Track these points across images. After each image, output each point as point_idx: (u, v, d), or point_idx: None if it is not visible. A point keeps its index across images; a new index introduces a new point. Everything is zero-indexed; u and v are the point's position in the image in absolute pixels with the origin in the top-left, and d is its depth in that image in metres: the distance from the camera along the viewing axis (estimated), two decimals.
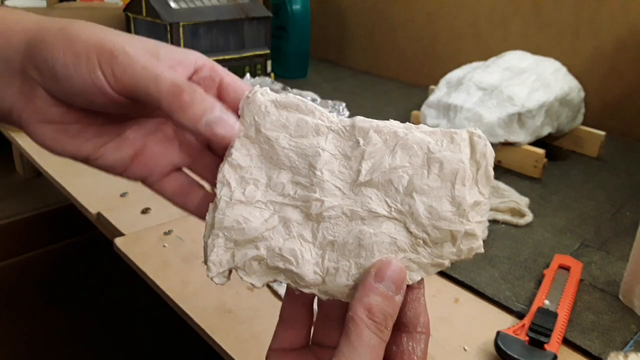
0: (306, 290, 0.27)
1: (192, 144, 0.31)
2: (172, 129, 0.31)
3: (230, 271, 0.28)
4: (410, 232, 0.26)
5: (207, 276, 0.27)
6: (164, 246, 0.58)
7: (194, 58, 0.30)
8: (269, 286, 0.52)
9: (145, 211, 0.65)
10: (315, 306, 0.30)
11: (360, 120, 0.27)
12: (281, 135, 0.27)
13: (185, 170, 0.32)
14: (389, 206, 0.27)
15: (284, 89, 0.98)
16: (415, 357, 0.27)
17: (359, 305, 0.25)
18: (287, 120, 0.28)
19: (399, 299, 0.25)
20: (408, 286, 0.27)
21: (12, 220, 1.00)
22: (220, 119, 0.27)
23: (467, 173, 0.26)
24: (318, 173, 0.27)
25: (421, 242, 0.26)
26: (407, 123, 0.28)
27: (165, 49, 0.28)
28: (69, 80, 0.26)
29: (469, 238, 0.26)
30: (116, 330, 1.13)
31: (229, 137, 0.27)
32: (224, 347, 0.45)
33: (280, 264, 0.27)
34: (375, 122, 0.27)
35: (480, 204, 0.27)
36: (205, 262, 0.28)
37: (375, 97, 1.15)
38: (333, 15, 1.46)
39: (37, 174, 1.12)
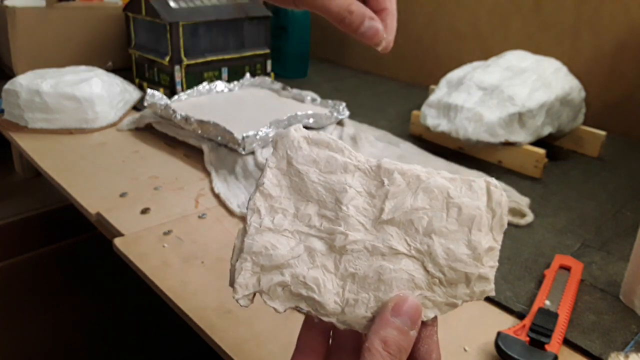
0: (325, 319, 0.28)
1: None
2: None
3: (254, 295, 0.29)
4: (428, 271, 0.28)
5: (233, 298, 0.29)
6: (164, 246, 0.58)
7: None
8: None
9: (145, 211, 0.65)
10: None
11: (386, 162, 0.30)
12: (311, 169, 0.29)
13: None
14: (409, 245, 0.28)
15: (284, 88, 0.98)
16: None
17: (376, 337, 0.26)
18: (318, 156, 0.30)
19: (413, 334, 0.27)
20: (422, 323, 0.28)
21: (12, 220, 1.00)
22: (371, 27, 0.39)
23: (483, 219, 0.28)
24: (344, 208, 0.29)
25: (437, 281, 0.28)
26: (429, 168, 0.30)
27: None
28: None
29: (482, 281, 0.28)
30: (116, 330, 1.13)
31: (378, 39, 0.38)
32: (223, 347, 0.45)
33: (303, 292, 0.28)
34: (399, 165, 0.29)
35: (494, 249, 0.29)
36: (232, 284, 0.29)
37: (375, 97, 1.15)
38: None
39: (36, 174, 1.12)
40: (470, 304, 0.51)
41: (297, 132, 0.30)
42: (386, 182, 0.29)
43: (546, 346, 0.43)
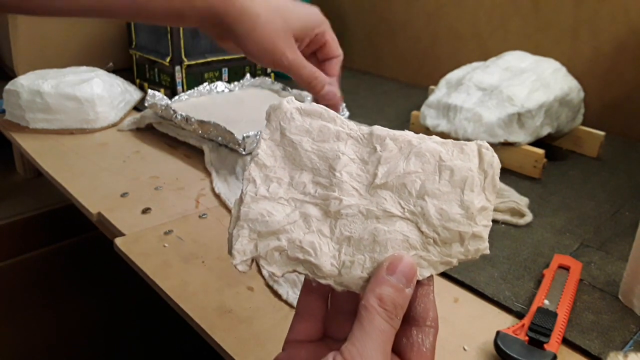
0: (322, 281, 0.29)
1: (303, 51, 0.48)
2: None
3: (252, 260, 0.29)
4: (422, 232, 0.29)
5: (232, 263, 0.29)
6: (164, 246, 0.58)
7: (317, 17, 0.49)
8: (269, 287, 0.52)
9: (145, 211, 0.65)
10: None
11: (378, 128, 0.30)
12: (304, 139, 0.30)
13: None
14: (403, 207, 0.29)
15: (284, 89, 0.98)
16: (424, 349, 0.28)
17: (371, 294, 0.26)
18: (311, 126, 0.30)
19: (409, 291, 0.27)
20: (418, 282, 0.28)
21: (12, 220, 1.00)
22: (329, 92, 0.49)
23: (475, 180, 0.29)
24: (337, 174, 0.29)
25: (431, 241, 0.29)
26: (421, 134, 0.30)
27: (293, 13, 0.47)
28: (248, 48, 0.45)
29: (476, 239, 0.29)
30: (116, 330, 1.13)
31: (335, 99, 0.48)
32: (224, 347, 0.45)
33: (300, 255, 0.29)
34: (391, 131, 0.30)
35: (487, 209, 0.29)
36: (230, 251, 0.29)
37: (375, 97, 1.15)
38: (333, 15, 1.46)
39: (37, 174, 1.12)
40: (470, 304, 0.52)
41: (289, 104, 0.31)
42: (378, 148, 0.29)
43: (545, 345, 0.44)
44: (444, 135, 0.81)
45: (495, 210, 0.66)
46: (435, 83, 0.92)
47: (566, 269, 0.54)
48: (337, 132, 0.30)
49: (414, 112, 0.90)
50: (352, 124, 0.31)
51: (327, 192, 0.29)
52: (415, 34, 1.29)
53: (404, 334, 0.28)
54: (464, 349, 0.46)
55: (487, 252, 0.29)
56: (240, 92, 1.00)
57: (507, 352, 0.43)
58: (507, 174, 0.78)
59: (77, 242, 1.08)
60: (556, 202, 0.71)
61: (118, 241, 0.59)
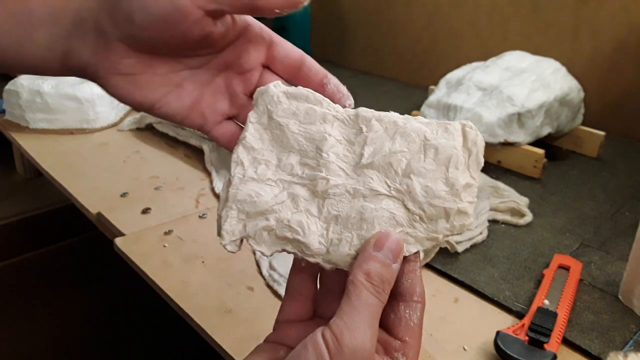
0: (311, 260, 0.29)
1: (240, 97, 0.35)
2: (223, 82, 0.35)
3: (241, 241, 0.30)
4: (408, 209, 0.29)
5: (221, 244, 0.29)
6: (164, 246, 0.59)
7: (245, 16, 0.34)
8: (269, 287, 0.52)
9: (145, 211, 0.65)
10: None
11: (363, 110, 0.30)
12: (291, 121, 0.30)
13: None
14: (389, 186, 0.29)
15: None
16: (412, 324, 0.28)
17: (359, 270, 0.27)
18: (297, 109, 0.30)
19: (396, 267, 0.28)
20: (405, 258, 0.29)
21: (12, 220, 1.00)
22: None
23: (459, 158, 0.29)
24: (324, 155, 0.29)
25: (417, 217, 0.29)
26: (406, 115, 0.31)
27: None
28: (147, 6, 0.28)
29: (461, 215, 0.29)
30: (116, 330, 1.13)
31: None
32: (224, 347, 0.45)
33: (288, 234, 0.29)
34: (377, 113, 0.30)
35: (472, 186, 0.29)
36: (219, 232, 0.30)
37: (375, 97, 1.15)
38: (333, 15, 1.47)
39: (37, 174, 1.12)
40: (470, 304, 0.52)
41: (276, 88, 0.31)
42: (364, 129, 0.30)
43: (545, 345, 0.44)
44: None
45: (495, 210, 0.66)
46: (435, 83, 0.92)
47: (566, 269, 0.54)
48: (324, 114, 0.30)
49: (414, 112, 0.90)
50: (338, 107, 0.31)
51: (314, 173, 0.29)
52: (415, 34, 1.29)
53: (391, 309, 0.29)
54: (464, 349, 0.46)
55: (472, 227, 0.30)
56: None
57: (507, 352, 0.43)
58: (507, 174, 0.78)
59: (77, 242, 1.08)
60: (556, 202, 0.71)
61: (118, 241, 0.59)
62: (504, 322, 0.49)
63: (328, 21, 1.48)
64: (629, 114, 0.98)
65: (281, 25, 1.24)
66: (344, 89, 0.34)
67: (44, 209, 1.03)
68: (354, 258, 0.29)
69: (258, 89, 0.31)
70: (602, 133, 0.86)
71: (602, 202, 0.72)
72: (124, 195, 0.69)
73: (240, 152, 0.30)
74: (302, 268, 0.32)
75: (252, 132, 0.31)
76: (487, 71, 0.83)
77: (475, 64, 0.90)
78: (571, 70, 0.87)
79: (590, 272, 0.56)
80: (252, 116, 0.31)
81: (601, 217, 0.68)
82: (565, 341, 0.47)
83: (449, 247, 0.57)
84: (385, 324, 0.29)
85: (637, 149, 0.91)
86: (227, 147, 0.35)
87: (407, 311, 0.29)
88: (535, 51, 0.91)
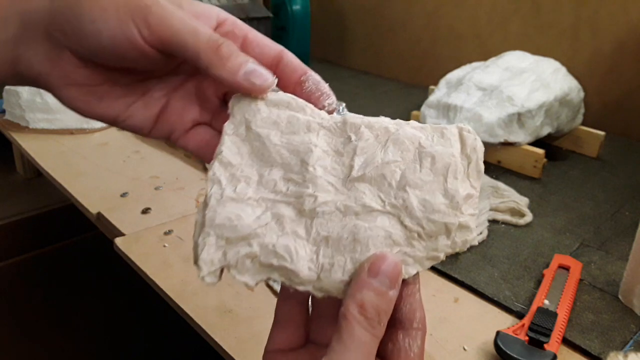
0: (301, 288, 0.26)
1: (212, 101, 0.32)
2: (193, 86, 0.31)
3: (222, 270, 0.27)
4: (405, 226, 0.26)
5: (198, 277, 0.26)
6: (164, 246, 0.58)
7: (216, 12, 0.30)
8: (268, 286, 0.52)
9: (145, 211, 0.65)
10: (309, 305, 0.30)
11: (351, 116, 0.28)
12: (272, 132, 0.27)
13: None
14: (383, 200, 0.26)
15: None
16: (412, 354, 0.26)
17: (351, 301, 0.24)
18: (278, 118, 0.27)
19: (393, 294, 0.25)
20: (403, 281, 0.26)
21: (12, 220, 1.00)
22: (255, 70, 0.27)
23: (458, 167, 0.27)
24: (310, 169, 0.27)
25: (416, 235, 0.26)
26: (398, 119, 0.28)
27: (187, 2, 0.29)
28: (98, 36, 0.26)
29: (463, 230, 0.27)
30: (116, 330, 1.13)
31: (266, 86, 0.27)
32: (224, 347, 0.45)
33: (274, 261, 0.26)
34: (366, 119, 0.28)
35: (473, 197, 0.27)
36: (196, 261, 0.26)
37: (375, 97, 1.15)
38: (333, 15, 1.47)
39: (37, 174, 1.12)
40: (470, 304, 0.52)
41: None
42: (353, 137, 0.27)
43: (545, 345, 0.44)
44: None
45: (495, 210, 0.66)
46: (435, 83, 0.92)
47: (566, 269, 0.54)
48: (308, 122, 0.27)
49: (414, 112, 0.90)
50: (323, 113, 0.28)
51: (300, 189, 0.26)
52: (415, 34, 1.29)
53: (389, 338, 0.26)
54: (464, 349, 0.46)
55: (475, 243, 0.27)
56: None
57: (507, 352, 0.43)
58: (507, 174, 0.78)
59: (77, 242, 1.08)
60: (556, 202, 0.71)
61: (118, 241, 0.59)
62: (504, 322, 0.49)
63: (328, 21, 1.48)
64: (629, 113, 0.98)
65: (281, 26, 1.24)
66: (324, 86, 0.30)
67: (44, 209, 1.03)
68: (348, 284, 0.26)
69: (234, 96, 0.28)
70: (602, 133, 0.86)
71: (602, 202, 0.72)
72: (124, 195, 0.69)
73: (216, 169, 0.27)
74: (291, 294, 0.28)
75: (229, 146, 0.27)
76: (487, 71, 0.83)
77: (475, 64, 0.90)
78: (571, 70, 0.87)
79: (590, 272, 0.56)
80: (228, 127, 0.28)
81: (601, 217, 0.68)
82: (565, 341, 0.47)
83: None
84: (383, 353, 0.26)
85: (637, 149, 0.91)
86: (198, 155, 0.32)
87: (407, 340, 0.26)
88: (535, 51, 0.91)
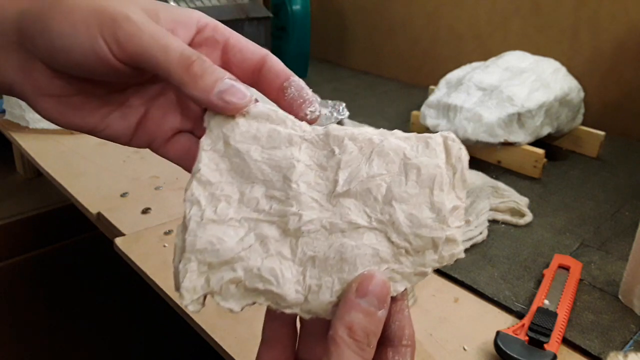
0: (288, 311, 0.26)
1: (193, 109, 0.30)
2: (174, 93, 0.30)
3: (205, 297, 0.26)
4: (392, 242, 0.26)
5: (181, 305, 0.25)
6: (164, 246, 0.58)
7: (196, 18, 0.29)
8: None
9: (145, 211, 0.65)
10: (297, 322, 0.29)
11: (334, 128, 0.27)
12: (252, 147, 0.26)
13: None
14: (369, 216, 0.26)
15: None
16: None
17: (340, 323, 0.24)
18: (258, 132, 0.26)
19: (382, 314, 0.24)
20: (392, 298, 0.26)
21: (12, 220, 1.00)
22: (231, 87, 0.26)
23: (444, 178, 0.26)
24: (294, 186, 0.25)
25: (403, 251, 0.26)
26: (382, 129, 0.27)
27: (165, 10, 0.27)
28: (68, 51, 0.25)
29: (450, 244, 0.26)
30: (116, 330, 1.13)
31: (242, 105, 0.26)
32: (224, 347, 0.45)
33: (260, 285, 0.25)
34: (349, 130, 0.27)
35: (459, 208, 0.26)
36: (177, 289, 0.25)
37: (375, 97, 1.15)
38: (333, 15, 1.47)
39: (37, 174, 1.12)
40: (470, 304, 0.52)
41: None
42: (337, 150, 0.26)
43: (545, 345, 0.44)
44: None
45: (495, 210, 0.66)
46: (435, 83, 0.92)
47: (566, 269, 0.54)
48: (289, 135, 0.26)
49: (414, 112, 0.90)
50: (305, 125, 0.27)
51: (284, 208, 0.25)
52: (415, 34, 1.29)
53: (379, 356, 0.25)
54: (464, 349, 0.46)
55: (462, 255, 0.27)
56: None
57: (507, 352, 0.43)
58: (507, 174, 0.78)
59: (77, 242, 1.08)
60: (556, 202, 0.71)
61: (118, 241, 0.59)
62: (504, 322, 0.49)
63: (328, 21, 1.48)
64: (629, 113, 0.98)
65: (281, 26, 1.24)
66: (307, 93, 0.29)
67: (44, 209, 1.03)
68: (336, 305, 0.25)
69: (207, 112, 0.27)
70: (602, 133, 0.86)
71: (602, 202, 0.72)
72: (124, 195, 0.69)
73: (194, 189, 0.26)
74: (277, 315, 0.28)
75: (207, 163, 0.26)
76: (487, 71, 0.83)
77: (475, 64, 0.90)
78: (571, 70, 0.87)
79: (590, 272, 0.56)
80: (205, 143, 0.26)
81: (601, 217, 0.68)
82: (565, 341, 0.47)
83: None
84: None
85: (637, 149, 0.91)
86: (179, 164, 0.31)
87: (396, 358, 0.26)
88: (535, 51, 0.91)
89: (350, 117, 0.93)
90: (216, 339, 0.46)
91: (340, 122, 0.99)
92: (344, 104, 1.04)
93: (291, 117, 0.27)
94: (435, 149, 0.26)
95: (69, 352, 1.09)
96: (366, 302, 0.24)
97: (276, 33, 1.24)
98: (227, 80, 0.25)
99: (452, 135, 0.27)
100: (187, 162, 0.30)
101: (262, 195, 0.26)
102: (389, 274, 0.26)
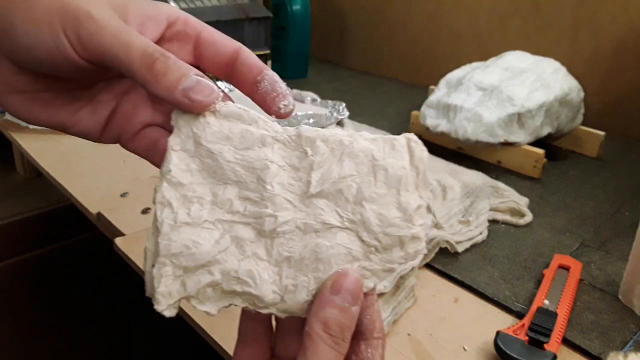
0: (264, 312, 0.26)
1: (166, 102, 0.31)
2: None
3: (179, 300, 0.26)
4: (363, 241, 0.26)
5: (156, 310, 0.25)
6: None
7: (166, 12, 0.28)
8: None
9: (145, 211, 0.65)
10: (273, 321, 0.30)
11: (306, 129, 0.27)
12: (225, 147, 0.26)
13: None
14: (341, 216, 0.26)
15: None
16: None
17: (315, 319, 0.24)
18: (230, 132, 0.26)
19: (355, 309, 0.25)
20: (363, 294, 0.26)
21: (12, 220, 1.00)
22: (197, 84, 0.25)
23: (409, 179, 0.27)
24: (269, 187, 0.26)
25: (373, 249, 0.27)
26: (351, 130, 0.28)
27: (134, 4, 0.27)
28: (32, 49, 0.25)
29: (414, 241, 0.27)
30: (116, 330, 1.13)
31: (208, 102, 0.25)
32: (224, 346, 0.45)
33: (238, 287, 0.25)
34: (321, 132, 0.27)
35: (422, 207, 0.27)
36: (152, 294, 0.25)
37: (375, 97, 1.15)
38: (333, 15, 1.47)
39: (37, 174, 1.12)
40: (470, 304, 0.52)
41: None
42: (309, 151, 0.26)
43: (545, 345, 0.44)
44: (444, 135, 0.81)
45: (495, 210, 0.66)
46: (435, 83, 0.92)
47: (566, 269, 0.54)
48: (262, 136, 0.26)
49: (414, 112, 0.90)
50: (276, 125, 0.27)
51: (259, 209, 0.26)
52: (415, 34, 1.29)
53: (352, 350, 0.26)
54: (464, 349, 0.46)
55: (425, 252, 0.28)
56: (240, 92, 0.99)
57: (507, 352, 0.43)
58: (507, 174, 0.78)
59: (77, 242, 1.08)
60: (556, 202, 0.71)
61: (118, 241, 0.59)
62: (504, 322, 0.49)
63: (328, 21, 1.48)
64: (629, 113, 0.98)
65: (281, 26, 1.24)
66: (281, 86, 0.28)
67: (44, 209, 1.03)
68: (312, 304, 0.26)
69: (175, 110, 0.26)
70: (602, 133, 0.86)
71: (602, 202, 0.72)
72: (124, 195, 0.69)
73: (165, 190, 0.25)
74: (253, 315, 0.28)
75: (177, 163, 0.26)
76: (487, 71, 0.83)
77: (475, 64, 0.90)
78: (571, 70, 0.87)
79: (590, 272, 0.56)
80: (173, 142, 0.26)
81: (601, 217, 0.68)
82: (565, 341, 0.47)
83: (449, 247, 0.57)
84: None
85: (637, 149, 0.91)
86: (147, 158, 0.30)
87: (369, 350, 0.26)
88: (535, 51, 0.91)
89: (350, 117, 0.93)
90: (216, 339, 0.46)
91: (340, 122, 0.99)
92: (343, 104, 1.04)
93: (263, 117, 0.27)
94: (400, 150, 0.27)
95: (69, 352, 1.09)
96: (340, 299, 0.25)
97: (276, 33, 1.24)
98: (193, 77, 0.25)
99: (415, 137, 0.28)
100: (155, 155, 0.30)
101: (235, 196, 0.26)
102: (360, 271, 0.26)
